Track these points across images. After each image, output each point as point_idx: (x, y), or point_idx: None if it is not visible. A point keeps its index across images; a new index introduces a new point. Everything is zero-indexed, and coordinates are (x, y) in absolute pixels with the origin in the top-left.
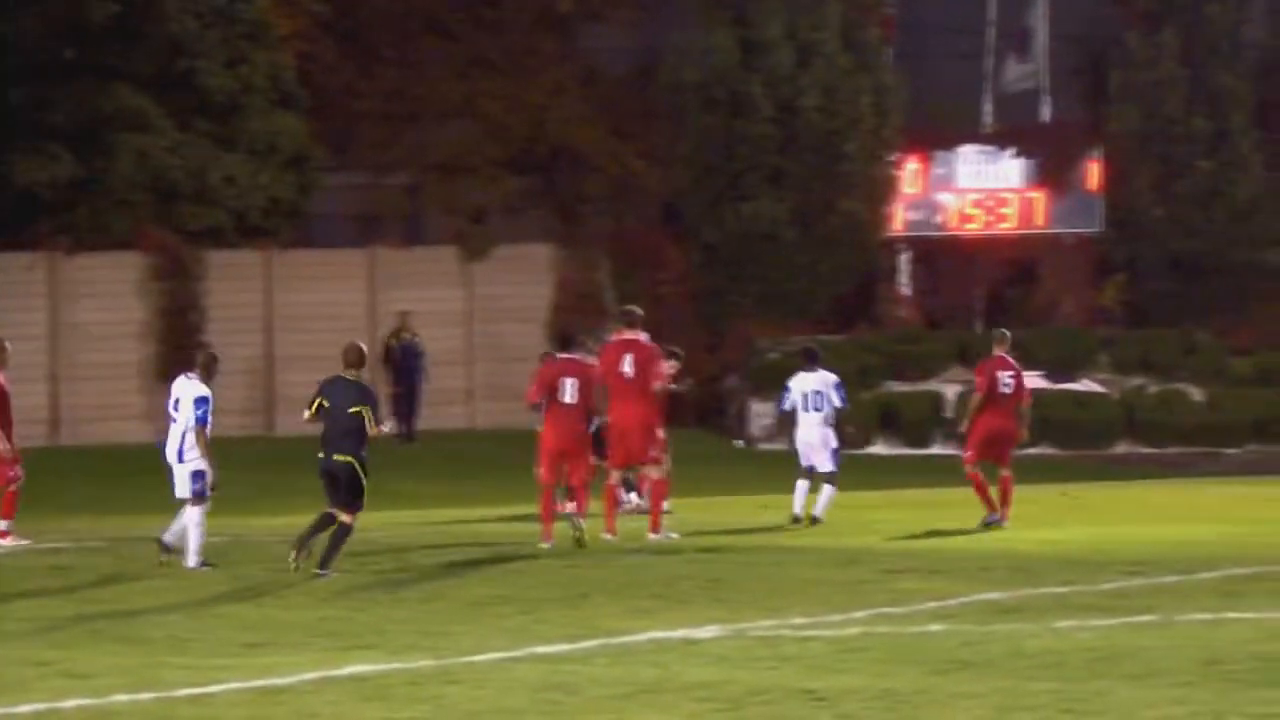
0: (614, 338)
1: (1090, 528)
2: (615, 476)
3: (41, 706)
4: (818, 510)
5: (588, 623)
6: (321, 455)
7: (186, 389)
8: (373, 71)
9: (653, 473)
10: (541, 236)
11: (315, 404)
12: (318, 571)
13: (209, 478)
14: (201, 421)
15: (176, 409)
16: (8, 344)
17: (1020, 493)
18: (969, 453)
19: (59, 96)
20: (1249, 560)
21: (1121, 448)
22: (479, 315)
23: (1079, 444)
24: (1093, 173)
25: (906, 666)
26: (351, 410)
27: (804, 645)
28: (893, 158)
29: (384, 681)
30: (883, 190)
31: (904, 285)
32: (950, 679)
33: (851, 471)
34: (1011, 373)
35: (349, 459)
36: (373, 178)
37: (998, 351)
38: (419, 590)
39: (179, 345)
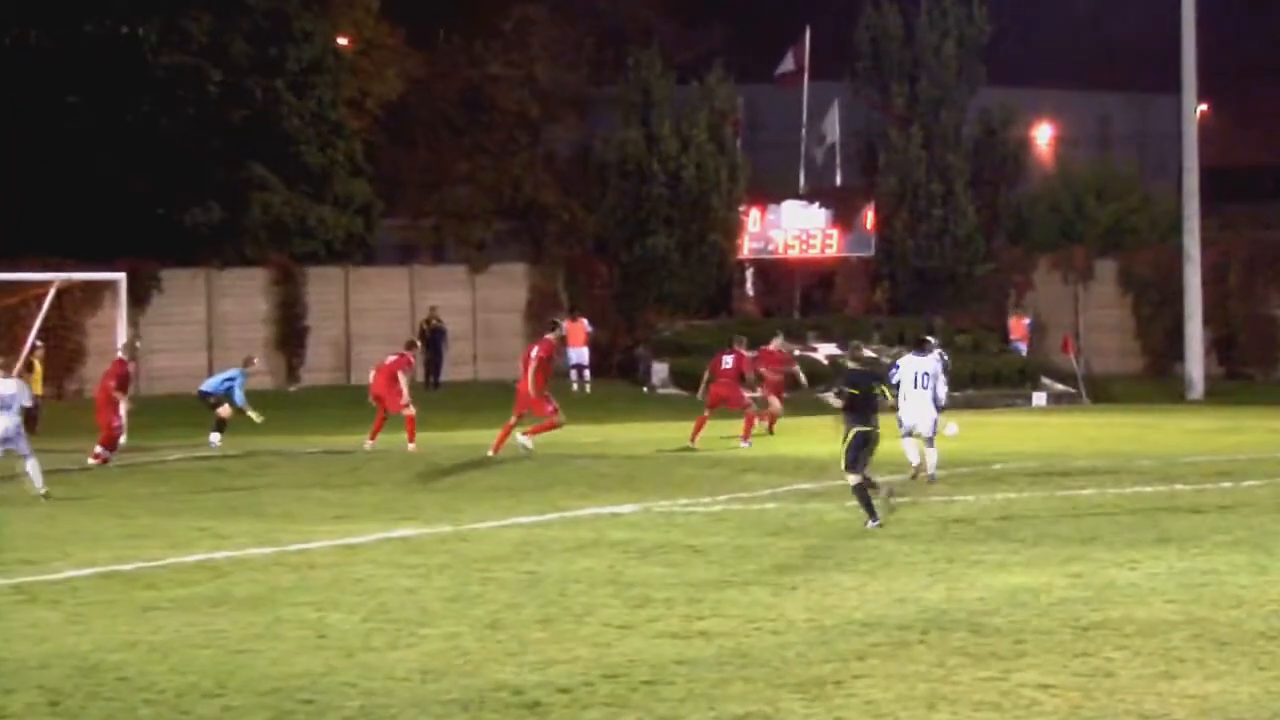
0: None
1: None
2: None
3: (201, 557)
4: (931, 468)
5: (549, 502)
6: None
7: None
8: (412, 153)
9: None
10: (519, 259)
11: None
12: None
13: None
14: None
15: None
16: (138, 342)
17: (819, 421)
18: None
19: (212, 170)
20: (967, 464)
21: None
22: (480, 308)
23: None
24: (868, 218)
25: (751, 530)
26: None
27: (687, 517)
28: (741, 208)
29: (420, 541)
30: (734, 229)
31: (749, 289)
32: (779, 538)
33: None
34: None
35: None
36: (411, 221)
37: None
38: (443, 482)
39: (289, 328)
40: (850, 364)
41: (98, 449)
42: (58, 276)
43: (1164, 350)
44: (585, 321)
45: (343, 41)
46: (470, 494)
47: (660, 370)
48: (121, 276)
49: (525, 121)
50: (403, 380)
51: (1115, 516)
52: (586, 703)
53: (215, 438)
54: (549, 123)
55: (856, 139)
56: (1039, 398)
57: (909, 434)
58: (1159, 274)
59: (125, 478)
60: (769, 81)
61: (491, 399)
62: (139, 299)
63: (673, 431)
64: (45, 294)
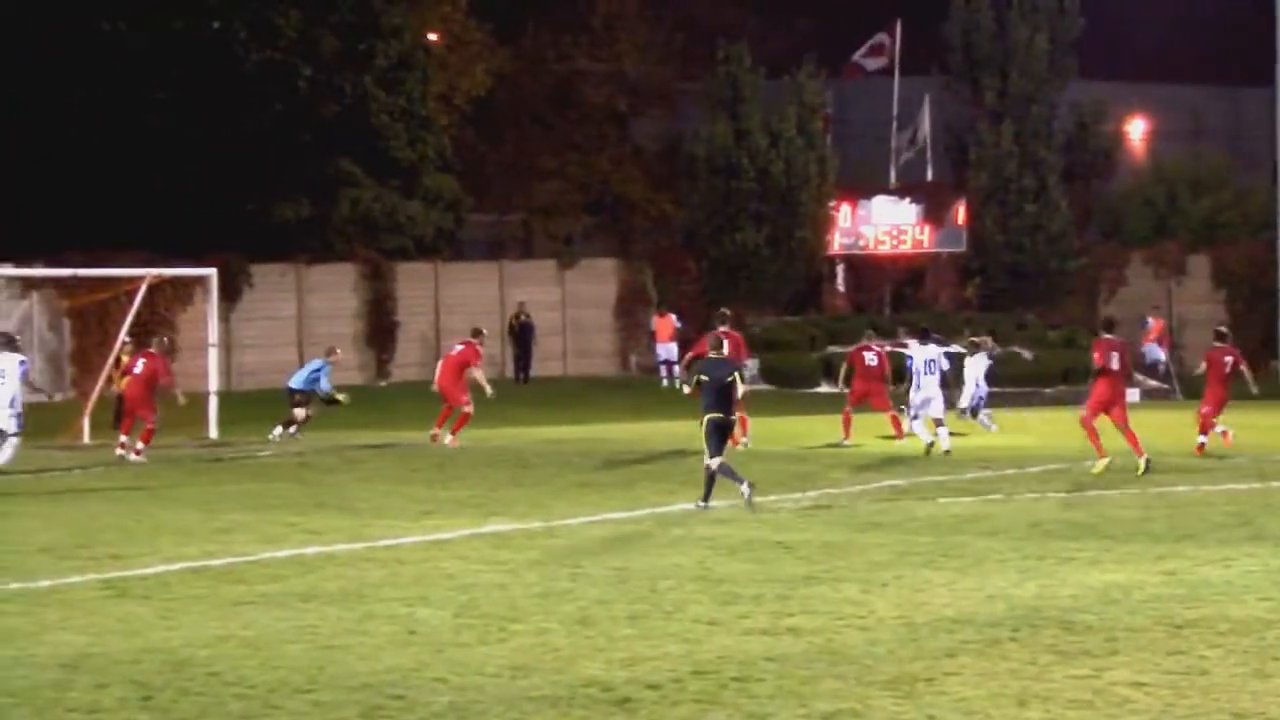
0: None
1: (956, 439)
2: None
3: (291, 552)
4: (944, 443)
5: (638, 498)
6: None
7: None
8: (500, 149)
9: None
10: (607, 254)
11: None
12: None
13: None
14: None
15: None
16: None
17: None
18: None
19: (302, 165)
20: (1059, 459)
21: None
22: (568, 303)
23: (951, 385)
24: (959, 213)
25: (840, 526)
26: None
27: (775, 513)
28: (831, 203)
29: (509, 537)
30: (824, 224)
31: (839, 285)
32: (868, 535)
33: (802, 402)
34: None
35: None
36: (499, 216)
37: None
38: (532, 477)
39: (378, 323)
40: (711, 354)
41: (140, 446)
42: (149, 272)
43: (1257, 346)
44: (673, 317)
45: (432, 37)
46: (558, 489)
47: (749, 366)
48: (212, 272)
49: (613, 116)
50: (477, 374)
51: (1208, 514)
52: (676, 699)
53: (278, 431)
54: (637, 117)
55: (947, 134)
56: (1131, 394)
57: (917, 416)
58: (1253, 269)
59: (213, 472)
60: (857, 75)
61: (581, 394)
62: (229, 294)
63: (762, 428)
64: (137, 289)
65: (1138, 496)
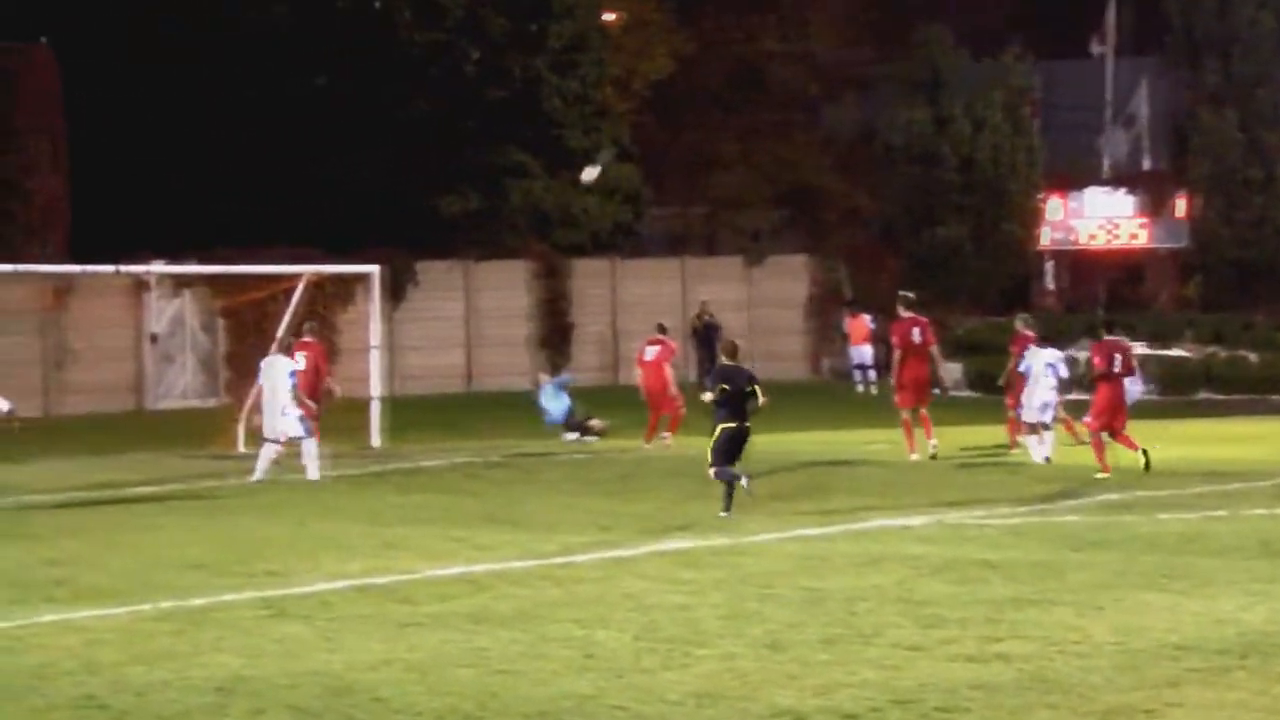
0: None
1: (1178, 449)
2: (906, 414)
3: (460, 570)
4: (1046, 452)
5: (833, 514)
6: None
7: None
8: (680, 136)
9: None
10: (797, 250)
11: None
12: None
13: None
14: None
15: None
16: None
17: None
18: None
19: (469, 154)
20: None
21: (1201, 394)
22: (755, 302)
23: (1172, 391)
24: (1179, 206)
25: (1052, 544)
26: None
27: (982, 530)
28: (1040, 195)
29: (693, 554)
30: (1033, 217)
31: (1049, 283)
32: (1083, 554)
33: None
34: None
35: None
36: (682, 209)
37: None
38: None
39: (552, 324)
40: (723, 359)
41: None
42: (308, 269)
43: None
44: (867, 318)
45: (608, 17)
46: (746, 504)
47: (953, 370)
48: (376, 269)
49: (803, 101)
50: (669, 371)
51: None
52: None
53: (572, 435)
54: (828, 102)
55: (1166, 120)
56: None
57: (1033, 428)
58: None
59: (377, 484)
60: (1068, 57)
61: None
62: (393, 293)
63: (968, 437)
64: (294, 288)
65: None
